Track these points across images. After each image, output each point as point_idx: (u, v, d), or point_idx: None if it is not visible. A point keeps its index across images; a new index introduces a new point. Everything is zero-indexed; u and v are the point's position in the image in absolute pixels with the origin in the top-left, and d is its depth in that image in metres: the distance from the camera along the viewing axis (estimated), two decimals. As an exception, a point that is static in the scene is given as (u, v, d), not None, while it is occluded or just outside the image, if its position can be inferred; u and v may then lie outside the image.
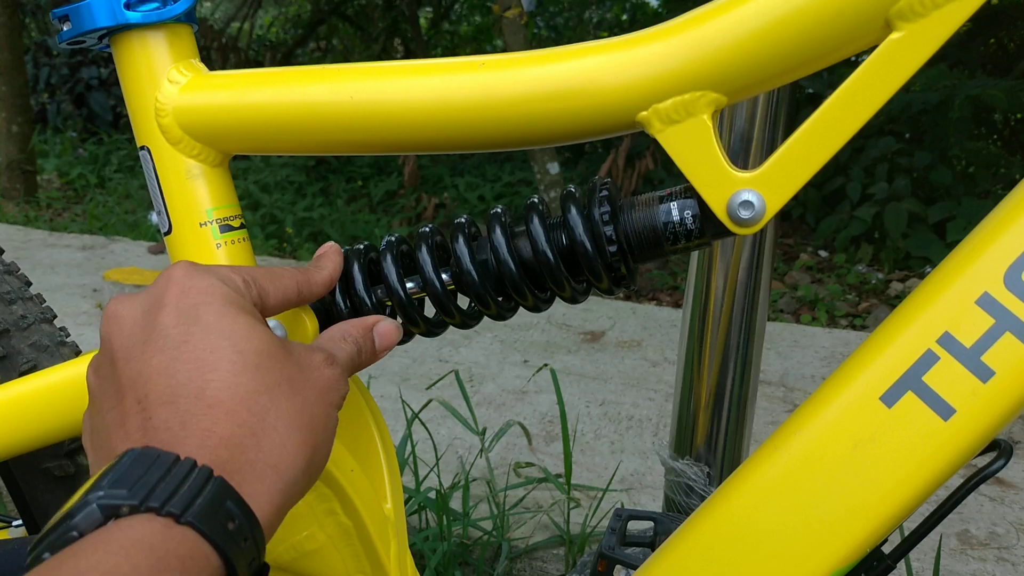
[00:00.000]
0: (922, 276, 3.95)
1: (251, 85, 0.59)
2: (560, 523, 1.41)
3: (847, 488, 0.53)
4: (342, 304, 0.59)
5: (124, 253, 2.96)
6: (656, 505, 1.49)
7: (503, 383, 1.98)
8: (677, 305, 3.25)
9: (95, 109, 5.73)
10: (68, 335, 0.71)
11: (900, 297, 3.80)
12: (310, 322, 0.57)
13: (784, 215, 4.61)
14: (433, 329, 0.60)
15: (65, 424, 0.60)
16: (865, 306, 3.74)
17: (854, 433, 0.53)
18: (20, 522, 0.74)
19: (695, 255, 0.90)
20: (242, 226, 0.63)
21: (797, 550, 0.53)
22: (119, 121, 5.82)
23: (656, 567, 0.58)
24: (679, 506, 0.90)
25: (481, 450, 1.47)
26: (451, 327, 0.61)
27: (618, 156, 4.71)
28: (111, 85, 5.79)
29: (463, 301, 0.60)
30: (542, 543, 1.40)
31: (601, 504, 1.44)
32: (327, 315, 0.59)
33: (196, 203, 0.61)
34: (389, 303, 0.60)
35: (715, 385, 0.87)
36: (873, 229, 4.19)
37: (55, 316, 0.71)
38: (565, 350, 2.16)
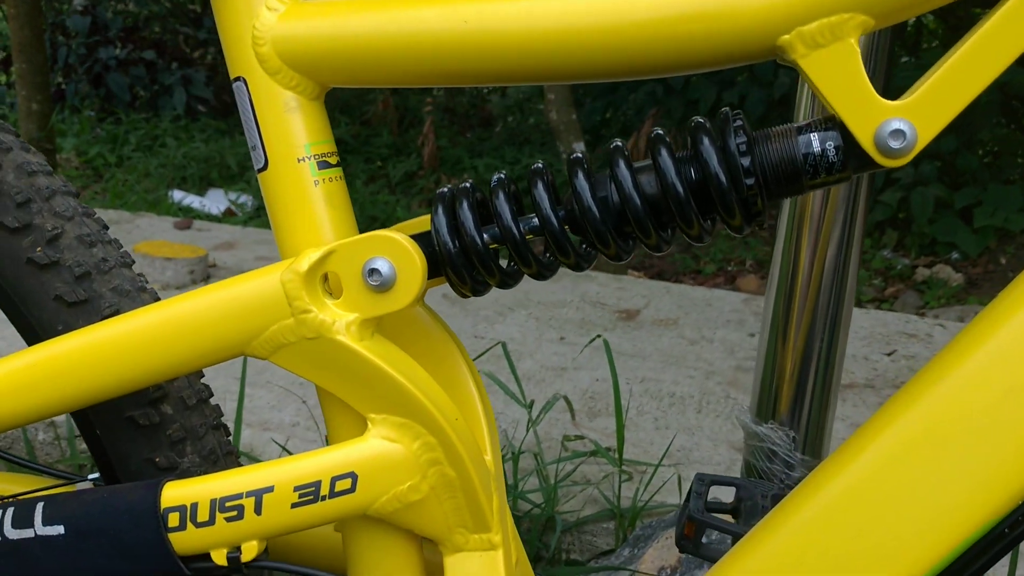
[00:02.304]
0: (948, 262, 3.91)
1: (354, 12, 0.56)
2: (610, 497, 1.39)
3: (996, 439, 0.50)
4: (450, 244, 0.56)
5: (150, 228, 2.94)
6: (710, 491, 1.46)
7: (541, 359, 1.96)
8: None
9: (113, 89, 5.70)
10: (147, 281, 0.68)
11: (927, 283, 3.76)
12: (419, 258, 0.54)
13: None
14: (544, 271, 0.57)
15: (149, 370, 0.58)
16: (892, 291, 3.70)
17: (1005, 381, 0.50)
18: (95, 475, 0.71)
19: (785, 217, 0.86)
20: (339, 164, 0.60)
21: (939, 508, 0.51)
22: (136, 101, 5.79)
23: (773, 532, 0.55)
24: (760, 472, 0.87)
25: (529, 422, 1.45)
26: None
27: (640, 139, 4.66)
28: (129, 65, 5.76)
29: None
30: (592, 517, 1.37)
31: (652, 480, 1.41)
32: (433, 258, 0.56)
33: (293, 137, 0.58)
34: (495, 246, 0.57)
35: (802, 348, 0.84)
36: (898, 214, 4.14)
37: (133, 262, 0.68)
38: (601, 327, 2.13)
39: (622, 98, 5.26)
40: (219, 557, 0.57)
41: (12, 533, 0.59)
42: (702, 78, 4.76)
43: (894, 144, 0.49)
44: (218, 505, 0.56)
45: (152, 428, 0.63)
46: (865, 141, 0.50)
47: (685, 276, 3.95)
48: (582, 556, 1.38)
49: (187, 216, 3.96)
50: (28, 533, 0.58)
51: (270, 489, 0.56)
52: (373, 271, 0.54)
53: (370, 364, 0.55)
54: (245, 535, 0.57)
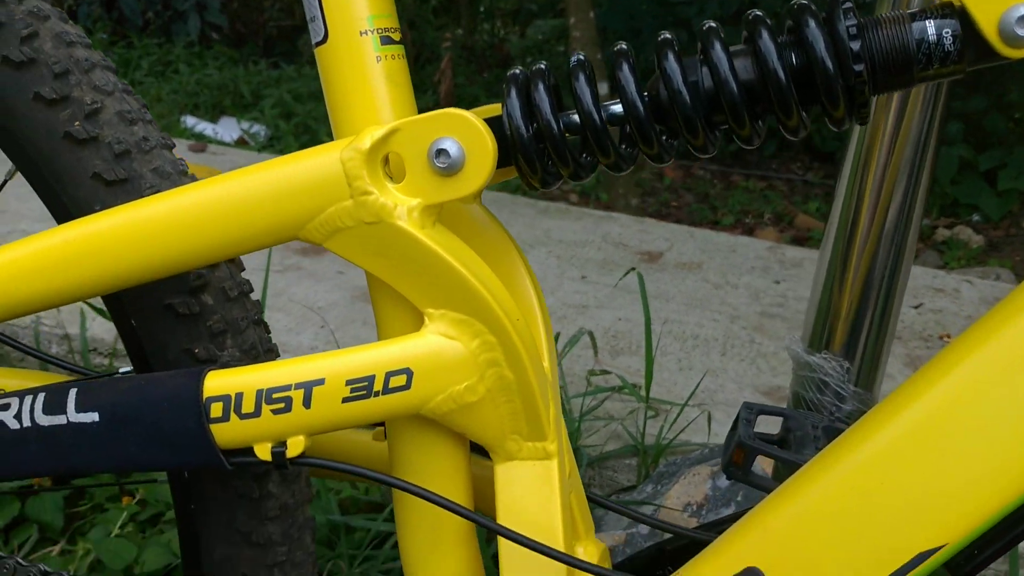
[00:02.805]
0: (970, 224, 3.86)
1: None
2: (634, 433, 1.36)
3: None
4: (524, 129, 0.52)
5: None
6: (726, 425, 1.44)
7: (562, 297, 1.92)
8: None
9: (125, 12, 5.59)
10: (186, 164, 0.64)
11: (947, 243, 3.71)
12: (490, 140, 0.50)
13: (828, 156, 4.49)
14: (622, 162, 0.53)
15: (196, 250, 0.54)
16: (912, 250, 3.64)
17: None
18: (128, 369, 0.68)
19: (855, 137, 0.82)
20: (401, 42, 0.56)
21: (993, 463, 0.48)
22: (148, 26, 5.69)
23: (827, 471, 0.53)
24: (809, 403, 0.84)
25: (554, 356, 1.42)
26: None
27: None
28: (141, -12, 5.64)
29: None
30: (615, 452, 1.35)
31: (678, 419, 1.38)
32: (503, 143, 0.52)
33: (355, 8, 0.54)
34: (570, 134, 0.53)
35: (864, 277, 0.80)
36: (922, 173, 4.06)
37: (174, 145, 0.64)
38: (623, 268, 2.09)
39: (646, 41, 5.15)
40: (263, 451, 0.54)
41: (44, 420, 0.56)
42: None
43: (1021, 31, 0.45)
44: (264, 396, 0.53)
45: (192, 318, 0.60)
46: (989, 28, 0.46)
47: (702, 226, 3.90)
48: (603, 491, 1.37)
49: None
50: (60, 420, 0.55)
51: (321, 382, 0.53)
52: (441, 152, 0.50)
53: (431, 254, 0.52)
54: (292, 429, 0.54)
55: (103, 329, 1.63)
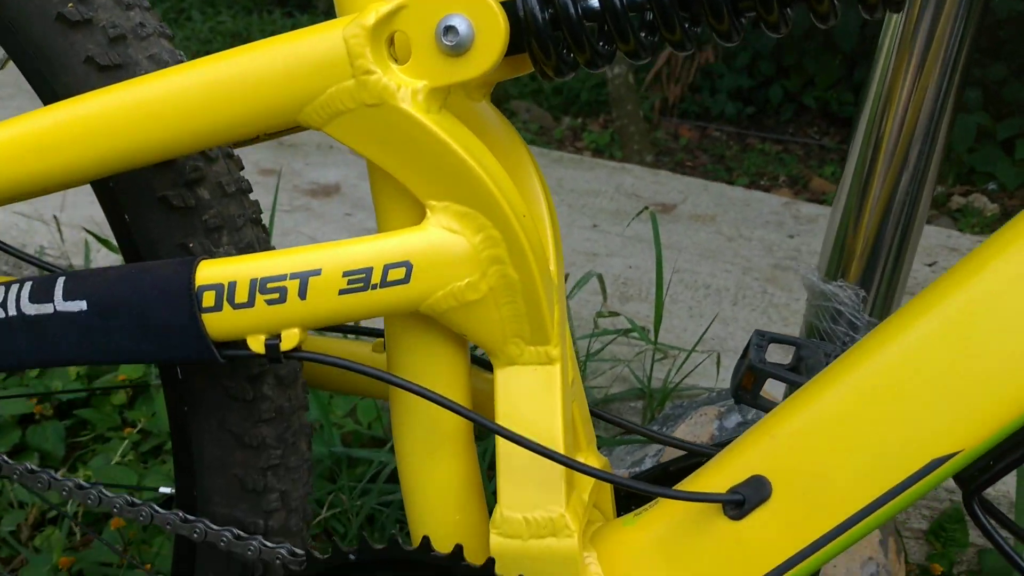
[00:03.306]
0: (985, 192, 3.80)
1: None
2: (641, 376, 1.35)
3: None
4: (539, 11, 0.49)
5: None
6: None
7: (573, 244, 1.90)
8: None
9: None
10: (183, 55, 0.61)
11: (961, 211, 3.66)
12: (502, 18, 0.48)
13: (845, 121, 4.43)
14: (642, 51, 0.50)
15: (190, 133, 0.51)
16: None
17: None
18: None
19: (871, 98, 0.78)
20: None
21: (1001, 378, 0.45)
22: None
23: (829, 387, 0.51)
24: (823, 333, 0.81)
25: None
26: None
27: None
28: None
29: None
30: (621, 395, 1.33)
31: (685, 363, 1.37)
32: (516, 27, 0.50)
33: None
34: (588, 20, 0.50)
35: (884, 204, 0.78)
36: (939, 140, 4.00)
37: (172, 36, 0.62)
38: (635, 217, 2.06)
39: None
40: (256, 344, 0.52)
41: (30, 308, 0.54)
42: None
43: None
44: (259, 286, 0.51)
45: (187, 211, 0.58)
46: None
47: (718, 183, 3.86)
48: (607, 434, 1.35)
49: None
50: (47, 309, 0.54)
51: (317, 272, 0.51)
52: (449, 29, 0.48)
53: (436, 140, 0.49)
54: (286, 321, 0.52)
55: (108, 261, 1.61)
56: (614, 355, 1.42)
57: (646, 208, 1.37)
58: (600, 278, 1.48)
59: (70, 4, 0.56)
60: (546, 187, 0.60)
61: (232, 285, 0.51)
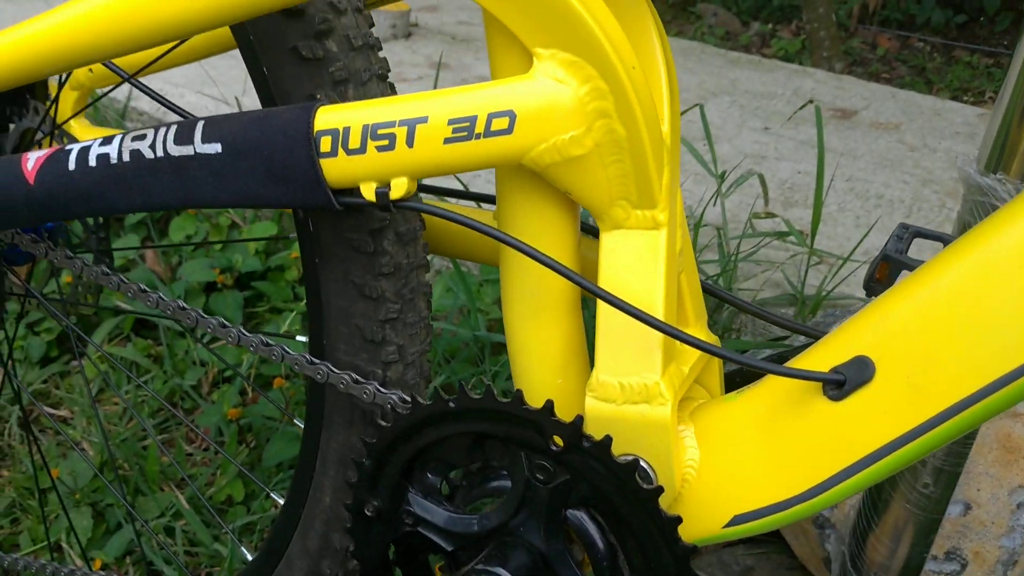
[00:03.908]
0: None
1: None
2: (794, 282, 1.29)
3: None
4: None
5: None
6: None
7: (740, 146, 1.82)
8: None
9: None
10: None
11: None
12: None
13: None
14: None
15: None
16: None
17: None
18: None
19: None
20: None
21: None
22: None
23: (959, 260, 0.46)
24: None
25: (717, 194, 1.35)
26: None
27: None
28: None
29: None
30: (771, 299, 1.29)
31: (841, 270, 1.30)
32: None
33: None
34: None
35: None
36: None
37: None
38: (811, 123, 1.95)
39: None
40: (368, 191, 0.54)
41: (174, 149, 0.58)
42: None
43: None
44: (370, 132, 0.52)
45: (315, 62, 0.60)
46: None
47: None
48: (754, 339, 1.32)
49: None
50: (188, 150, 0.57)
51: (424, 119, 0.51)
52: None
53: (544, -16, 0.48)
54: (395, 169, 0.53)
55: None
56: (768, 258, 1.37)
57: (811, 102, 1.29)
58: (761, 177, 1.42)
59: None
60: (666, 44, 0.57)
61: (346, 131, 0.53)
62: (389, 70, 0.64)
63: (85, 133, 0.91)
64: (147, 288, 0.72)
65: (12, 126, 0.86)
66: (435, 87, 1.60)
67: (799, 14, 3.91)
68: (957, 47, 4.07)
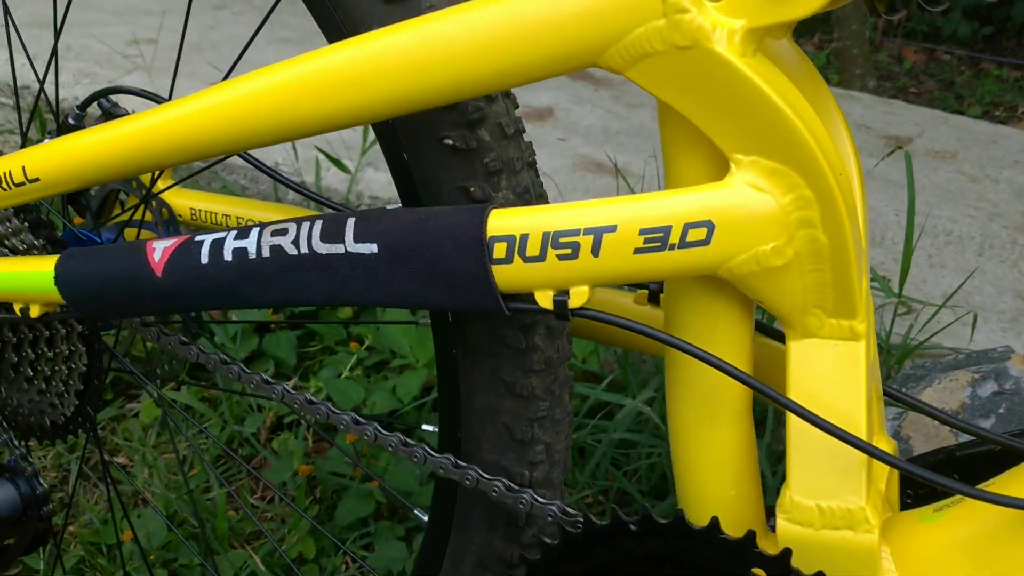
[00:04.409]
0: None
1: None
2: (879, 331, 1.25)
3: None
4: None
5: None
6: (984, 331, 1.30)
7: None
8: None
9: None
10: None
11: None
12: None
13: None
14: None
15: (477, 76, 0.49)
16: None
17: None
18: (395, 206, 0.67)
19: None
20: None
21: None
22: None
23: None
24: None
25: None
26: None
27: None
28: None
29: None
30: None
31: (930, 321, 1.26)
32: None
33: None
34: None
35: None
36: None
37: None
38: (866, 153, 1.91)
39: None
40: (544, 299, 0.50)
41: (321, 247, 0.54)
42: None
43: None
44: (551, 240, 0.49)
45: (468, 153, 0.56)
46: None
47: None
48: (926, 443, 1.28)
49: None
50: (338, 249, 0.54)
51: (612, 229, 0.48)
52: (781, -37, 0.42)
53: (752, 87, 0.45)
54: (576, 278, 0.49)
55: (336, 179, 1.67)
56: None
57: (899, 148, 1.25)
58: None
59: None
60: (851, 136, 0.54)
61: (524, 237, 0.49)
62: (535, 154, 0.61)
63: (178, 197, 0.87)
64: (229, 359, 0.68)
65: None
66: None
67: (823, 26, 3.88)
68: (984, 60, 4.04)
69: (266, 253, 0.56)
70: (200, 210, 0.86)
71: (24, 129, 0.77)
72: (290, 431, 1.39)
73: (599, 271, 0.49)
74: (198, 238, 0.59)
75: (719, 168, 0.48)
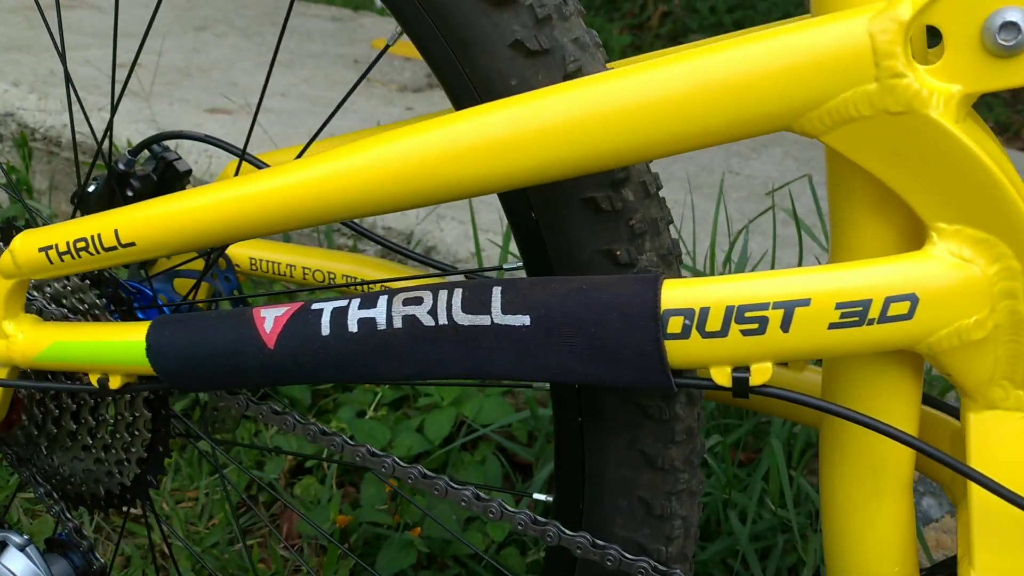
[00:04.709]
0: None
1: None
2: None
3: None
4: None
5: (374, 28, 2.85)
6: None
7: (807, 203, 1.78)
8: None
9: None
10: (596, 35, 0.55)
11: None
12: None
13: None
14: None
15: (646, 141, 0.45)
16: None
17: None
18: (512, 266, 0.63)
19: None
20: None
21: None
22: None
23: None
24: None
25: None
26: None
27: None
28: None
29: None
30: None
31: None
32: None
33: None
34: None
35: None
36: None
37: (583, 11, 0.56)
38: None
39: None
40: (721, 376, 0.47)
41: (463, 318, 0.50)
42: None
43: None
44: (735, 314, 0.45)
45: (613, 215, 0.52)
46: None
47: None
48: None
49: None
50: (483, 320, 0.50)
51: (805, 303, 0.44)
52: (1006, 26, 0.40)
53: (969, 154, 0.42)
54: (760, 354, 0.46)
55: (455, 233, 1.61)
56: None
57: None
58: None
59: (494, -19, 0.51)
60: None
61: (704, 311, 0.46)
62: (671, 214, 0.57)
63: (236, 246, 0.82)
64: (300, 419, 0.63)
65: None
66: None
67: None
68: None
69: (398, 324, 0.52)
70: (260, 260, 0.81)
71: (84, 181, 0.72)
72: (311, 475, 1.34)
73: (787, 347, 0.45)
74: (315, 306, 0.54)
75: (911, 237, 0.46)
